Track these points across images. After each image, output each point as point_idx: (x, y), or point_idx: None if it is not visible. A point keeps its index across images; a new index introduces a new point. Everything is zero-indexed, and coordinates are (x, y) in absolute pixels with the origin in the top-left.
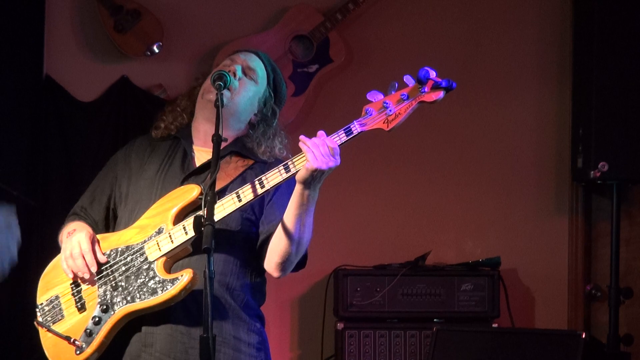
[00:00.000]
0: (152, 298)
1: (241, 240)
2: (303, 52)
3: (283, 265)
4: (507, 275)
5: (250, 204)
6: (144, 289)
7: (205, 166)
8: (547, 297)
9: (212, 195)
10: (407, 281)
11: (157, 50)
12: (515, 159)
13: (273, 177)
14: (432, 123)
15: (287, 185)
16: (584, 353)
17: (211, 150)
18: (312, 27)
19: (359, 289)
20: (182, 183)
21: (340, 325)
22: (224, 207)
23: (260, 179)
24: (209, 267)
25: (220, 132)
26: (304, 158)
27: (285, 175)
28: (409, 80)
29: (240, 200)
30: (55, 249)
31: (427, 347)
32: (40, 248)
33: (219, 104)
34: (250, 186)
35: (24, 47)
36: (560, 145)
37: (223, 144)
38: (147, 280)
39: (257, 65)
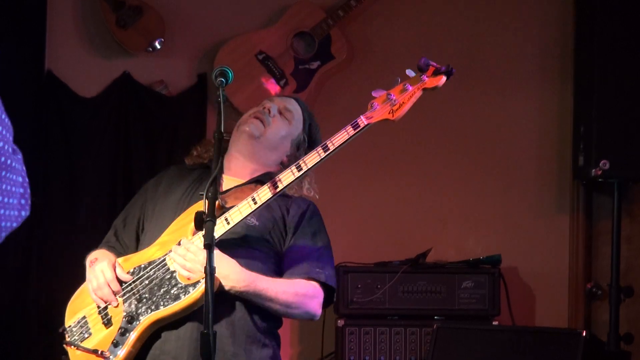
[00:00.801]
0: (175, 303)
1: (259, 259)
2: (305, 48)
3: (301, 318)
4: (507, 273)
5: (269, 230)
6: (167, 296)
7: (231, 189)
8: (547, 295)
9: (214, 192)
10: (407, 278)
11: (158, 47)
12: (516, 156)
13: (286, 177)
14: (432, 120)
15: (309, 227)
16: (584, 351)
17: (241, 180)
18: (314, 24)
19: (359, 285)
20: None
21: (340, 322)
22: (241, 212)
23: (274, 180)
24: (209, 263)
25: (221, 129)
26: (316, 157)
27: (297, 174)
28: (410, 72)
29: (255, 203)
30: (56, 245)
31: (427, 345)
32: (42, 244)
33: (220, 100)
34: (265, 188)
35: (25, 43)
36: (562, 143)
37: (251, 173)
38: (169, 288)
39: (294, 108)
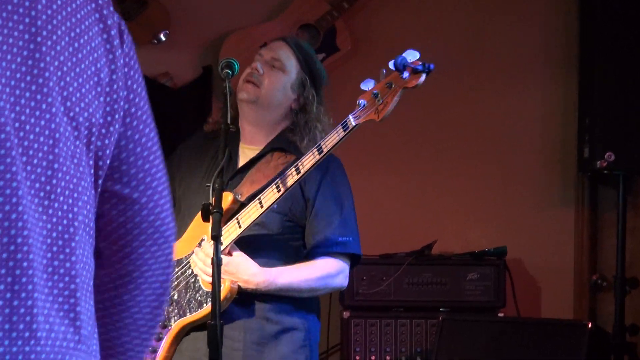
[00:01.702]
0: (199, 311)
1: (282, 246)
2: (309, 41)
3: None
4: (513, 265)
5: (289, 207)
6: (192, 302)
7: (248, 165)
8: (553, 287)
9: (220, 183)
10: (413, 270)
11: (163, 39)
12: (520, 148)
13: (307, 161)
14: (436, 112)
15: (330, 190)
16: (589, 343)
17: (257, 148)
18: (319, 16)
19: (364, 277)
20: (227, 184)
21: (346, 314)
22: (250, 216)
23: (297, 165)
24: (216, 255)
25: (227, 121)
26: (311, 159)
27: (318, 157)
28: (392, 65)
29: (262, 206)
30: None
31: (433, 336)
32: None
33: (226, 92)
34: (287, 174)
35: None
36: (566, 135)
37: (265, 137)
38: (194, 293)
39: (282, 53)
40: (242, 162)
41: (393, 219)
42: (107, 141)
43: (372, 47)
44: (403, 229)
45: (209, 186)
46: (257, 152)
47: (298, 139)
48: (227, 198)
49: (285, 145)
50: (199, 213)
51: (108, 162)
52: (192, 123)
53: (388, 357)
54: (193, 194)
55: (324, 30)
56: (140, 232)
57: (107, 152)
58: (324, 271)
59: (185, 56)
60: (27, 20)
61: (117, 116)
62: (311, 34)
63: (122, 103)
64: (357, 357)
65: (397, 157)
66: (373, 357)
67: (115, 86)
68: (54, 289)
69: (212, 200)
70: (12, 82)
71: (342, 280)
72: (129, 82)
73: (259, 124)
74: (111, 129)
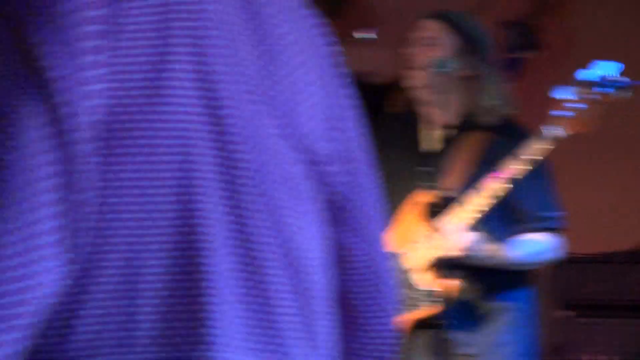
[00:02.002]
0: (416, 310)
1: (495, 225)
2: (512, 38)
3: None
4: None
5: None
6: (406, 300)
7: (441, 152)
8: None
9: (435, 181)
10: (632, 269)
11: (369, 36)
12: None
13: (509, 167)
14: None
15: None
16: None
17: (439, 129)
18: (523, 12)
19: (585, 277)
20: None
21: (568, 314)
22: (469, 212)
23: (509, 176)
24: (445, 254)
25: (446, 119)
26: (539, 149)
27: (526, 167)
28: (591, 76)
29: (494, 199)
30: None
31: None
32: None
33: (438, 89)
34: (491, 178)
35: None
36: None
37: (450, 117)
38: (407, 291)
39: (433, 29)
40: (426, 146)
41: (610, 216)
42: (329, 178)
43: (580, 45)
44: (619, 226)
45: (421, 185)
46: (439, 132)
47: (479, 111)
48: (439, 194)
49: (469, 123)
50: (406, 207)
51: (332, 200)
52: None
53: (608, 357)
54: (388, 184)
55: (528, 27)
56: (352, 282)
57: (330, 189)
58: (538, 247)
59: (390, 53)
60: (255, 43)
61: (337, 152)
62: (515, 31)
63: (340, 140)
64: (580, 357)
65: (615, 152)
66: (602, 357)
67: (333, 121)
68: (293, 307)
69: (433, 197)
70: (238, 96)
71: (557, 253)
72: (344, 117)
73: (433, 104)
74: (334, 166)
